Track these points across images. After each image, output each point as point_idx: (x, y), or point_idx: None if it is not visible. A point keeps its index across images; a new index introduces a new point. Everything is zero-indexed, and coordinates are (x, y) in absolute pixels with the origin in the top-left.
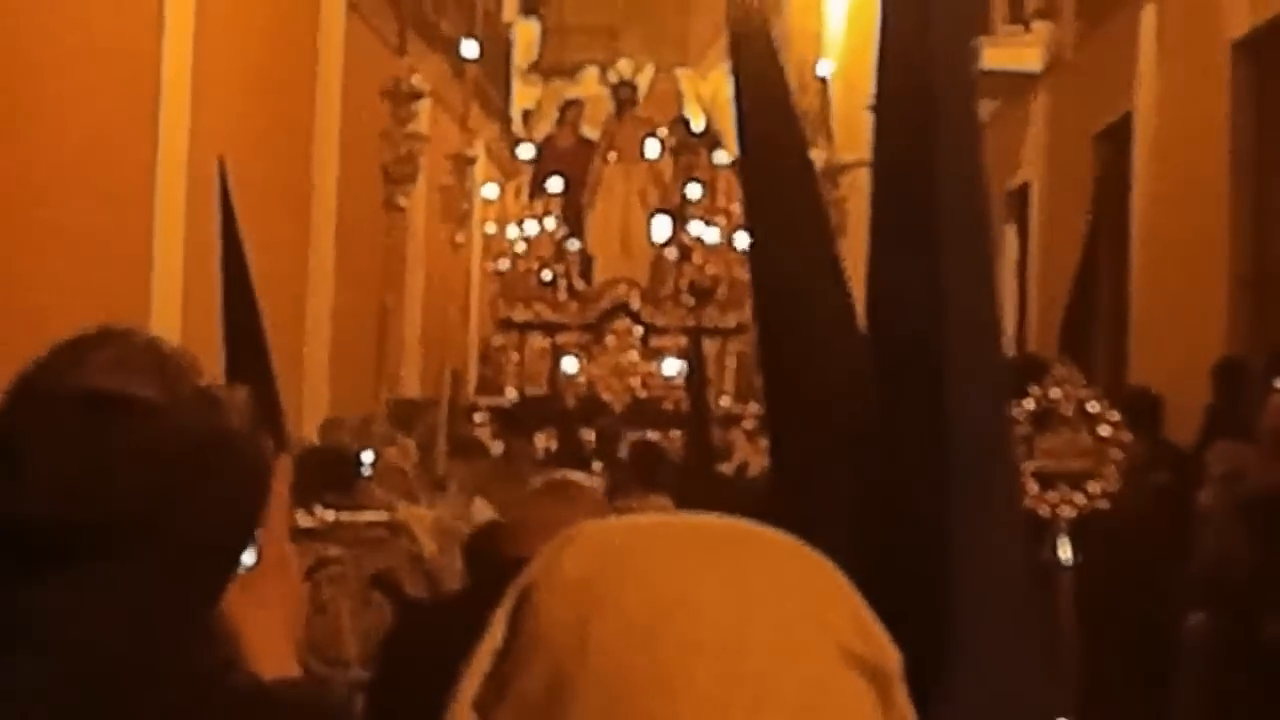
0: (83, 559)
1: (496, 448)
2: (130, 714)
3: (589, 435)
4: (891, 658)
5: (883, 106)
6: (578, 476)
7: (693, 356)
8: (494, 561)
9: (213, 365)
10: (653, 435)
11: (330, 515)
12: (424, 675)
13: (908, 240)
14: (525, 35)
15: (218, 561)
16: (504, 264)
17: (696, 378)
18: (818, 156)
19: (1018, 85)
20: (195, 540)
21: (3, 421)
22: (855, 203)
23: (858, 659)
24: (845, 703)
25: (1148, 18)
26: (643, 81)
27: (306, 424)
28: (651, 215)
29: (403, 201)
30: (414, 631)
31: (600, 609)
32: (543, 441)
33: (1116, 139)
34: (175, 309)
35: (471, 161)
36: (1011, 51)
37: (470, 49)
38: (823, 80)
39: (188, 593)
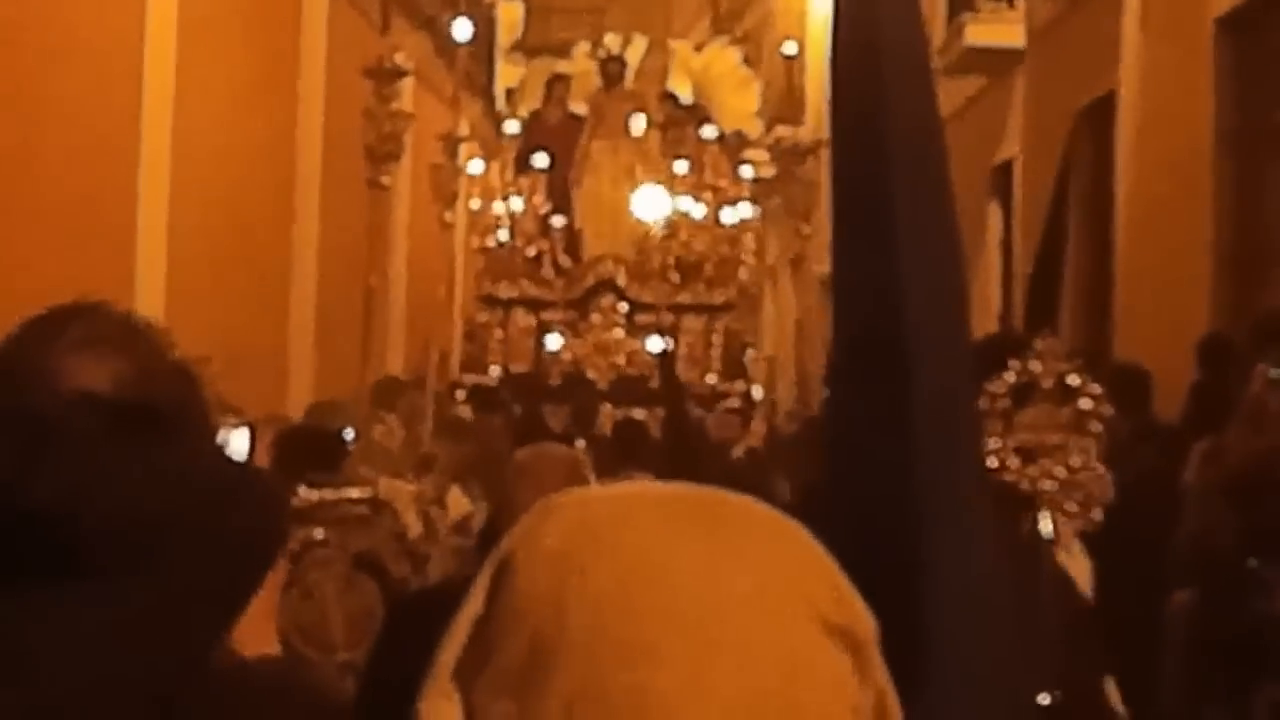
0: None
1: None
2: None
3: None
4: (867, 625)
5: (838, 84)
6: (554, 448)
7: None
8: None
9: (192, 347)
10: (638, 413)
11: (314, 495)
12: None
13: (867, 223)
14: (509, 14)
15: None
16: (489, 240)
17: (668, 357)
18: (788, 135)
19: (1001, 61)
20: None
21: None
22: (827, 182)
23: (835, 627)
24: (823, 669)
25: None
26: (632, 56)
27: (291, 403)
28: (633, 190)
29: (386, 180)
30: (410, 617)
31: (579, 578)
32: (556, 416)
33: (1100, 115)
34: (159, 292)
35: (461, 141)
36: (995, 28)
37: (462, 29)
38: (789, 59)
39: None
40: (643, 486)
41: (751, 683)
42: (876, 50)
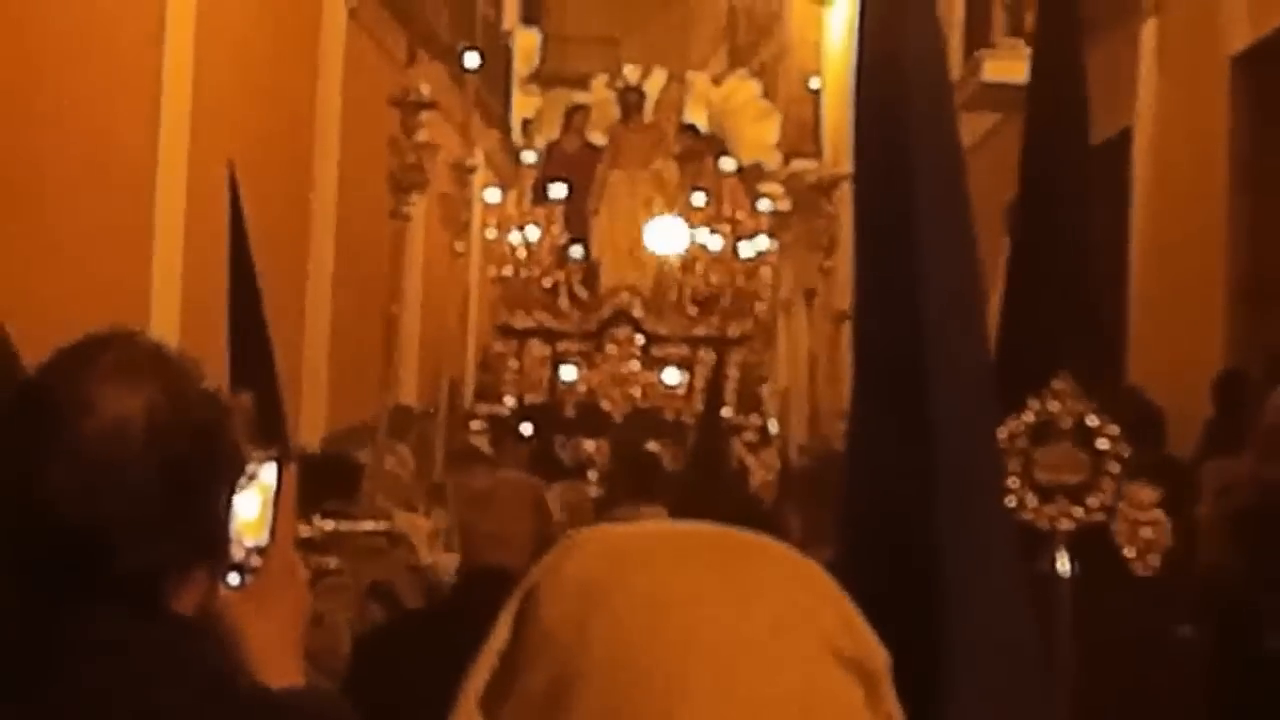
0: (94, 566)
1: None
2: (140, 718)
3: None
4: (880, 657)
5: (862, 116)
6: (514, 476)
7: (714, 371)
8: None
9: (212, 370)
10: (653, 446)
11: (329, 525)
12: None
13: (891, 255)
14: (525, 44)
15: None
16: (505, 270)
17: (714, 391)
18: (809, 170)
19: (1017, 98)
20: (196, 545)
21: (15, 428)
22: (847, 217)
23: (848, 659)
24: (837, 701)
25: (1147, 32)
26: (651, 88)
27: (305, 431)
28: (648, 221)
29: (409, 210)
30: (375, 653)
31: (600, 611)
32: (569, 449)
33: (1116, 153)
34: (174, 314)
35: (472, 170)
36: (1011, 64)
37: (472, 60)
38: (814, 93)
39: (189, 599)
40: (663, 524)
41: (767, 714)
42: (901, 86)
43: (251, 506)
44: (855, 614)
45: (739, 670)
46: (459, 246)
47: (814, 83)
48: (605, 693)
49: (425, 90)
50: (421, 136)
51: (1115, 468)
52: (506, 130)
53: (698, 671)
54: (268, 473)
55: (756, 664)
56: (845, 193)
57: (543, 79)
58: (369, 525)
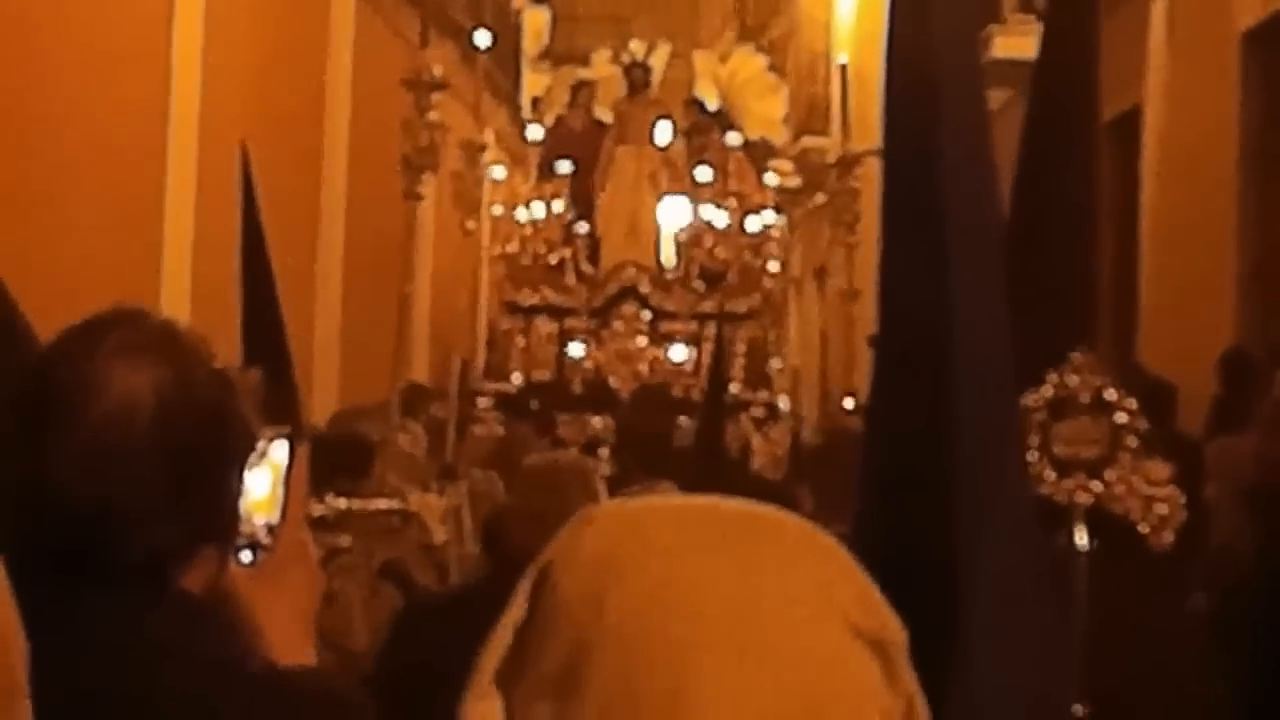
0: (102, 548)
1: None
2: (150, 699)
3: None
4: (896, 631)
5: (891, 100)
6: (566, 456)
7: (716, 346)
8: (503, 552)
9: (223, 349)
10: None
11: (342, 503)
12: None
13: (917, 236)
14: (535, 23)
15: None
16: (511, 247)
17: (718, 367)
18: (833, 148)
19: (1027, 74)
20: (205, 525)
21: (23, 411)
22: (868, 193)
23: (864, 632)
24: (852, 674)
25: (1157, 8)
26: (656, 63)
27: (316, 411)
28: (660, 198)
29: (423, 191)
30: (418, 622)
31: (616, 585)
32: (574, 426)
33: (1126, 130)
34: (184, 297)
35: (483, 149)
36: (1022, 40)
37: (483, 38)
38: (841, 69)
39: (196, 579)
40: (678, 498)
41: (783, 688)
42: (931, 67)
43: (263, 484)
44: (871, 588)
45: (754, 647)
46: (470, 225)
47: (841, 57)
48: (620, 668)
49: (438, 71)
50: (433, 117)
51: (1133, 442)
52: (517, 109)
53: (712, 648)
54: (279, 451)
55: (772, 641)
56: (868, 169)
57: (553, 57)
58: (381, 504)
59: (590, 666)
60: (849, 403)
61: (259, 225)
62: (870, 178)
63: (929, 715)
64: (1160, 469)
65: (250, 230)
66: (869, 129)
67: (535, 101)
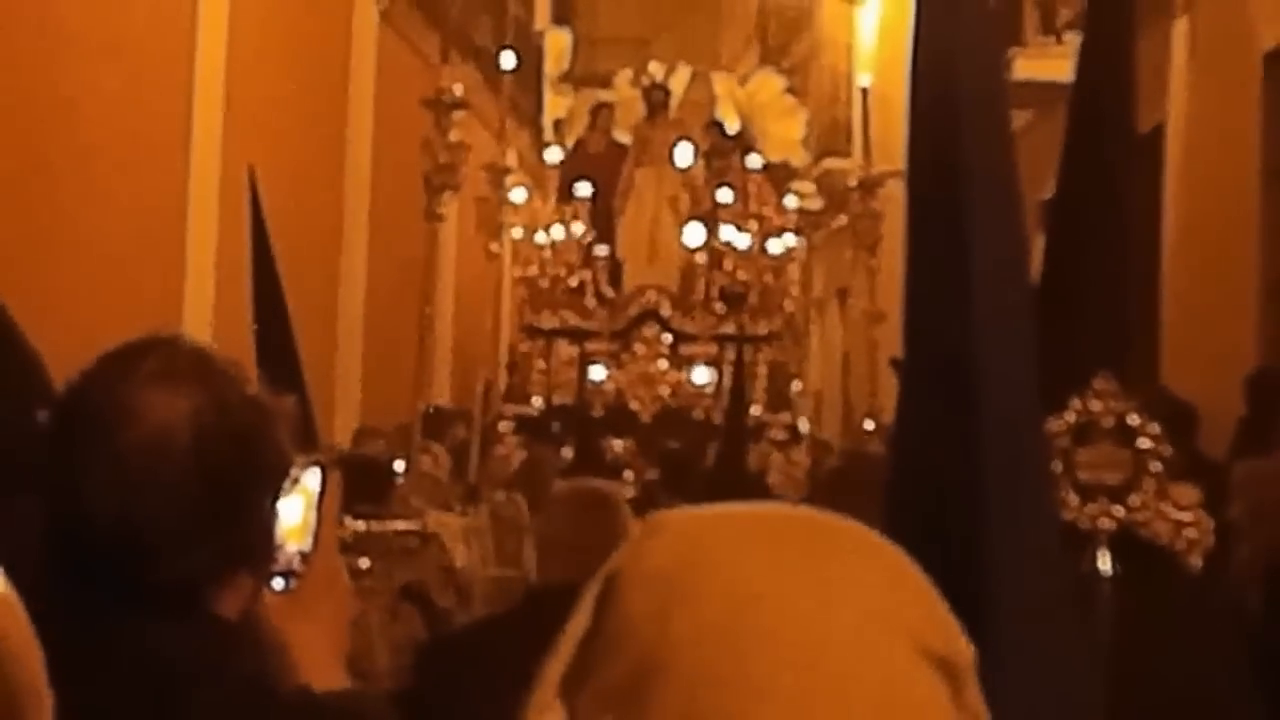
0: (136, 573)
1: (521, 457)
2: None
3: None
4: (965, 653)
5: (916, 122)
6: (600, 484)
7: (736, 368)
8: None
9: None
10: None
11: (360, 525)
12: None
13: (942, 259)
14: (556, 44)
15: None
16: (531, 270)
17: (737, 389)
18: (855, 169)
19: (1050, 96)
20: (239, 551)
21: (59, 436)
22: (890, 215)
23: (933, 654)
24: (922, 699)
25: (1179, 29)
26: (676, 85)
27: (338, 433)
28: (684, 223)
29: (444, 211)
30: (452, 651)
31: (682, 602)
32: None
33: (1148, 149)
34: (207, 320)
35: (507, 171)
36: (1044, 63)
37: (508, 60)
38: (863, 92)
39: (232, 601)
40: (745, 507)
41: (856, 715)
42: (954, 84)
43: (295, 511)
44: (941, 605)
45: (823, 667)
46: (494, 248)
47: (863, 80)
48: (686, 688)
49: (458, 90)
50: (454, 136)
51: (1157, 466)
52: (539, 131)
53: (781, 668)
54: (311, 478)
55: (841, 660)
56: (890, 191)
57: (574, 79)
58: (400, 525)
59: (655, 687)
60: (869, 424)
61: (269, 247)
62: (892, 199)
63: None
64: (1188, 493)
65: (260, 252)
66: (891, 151)
67: (557, 124)
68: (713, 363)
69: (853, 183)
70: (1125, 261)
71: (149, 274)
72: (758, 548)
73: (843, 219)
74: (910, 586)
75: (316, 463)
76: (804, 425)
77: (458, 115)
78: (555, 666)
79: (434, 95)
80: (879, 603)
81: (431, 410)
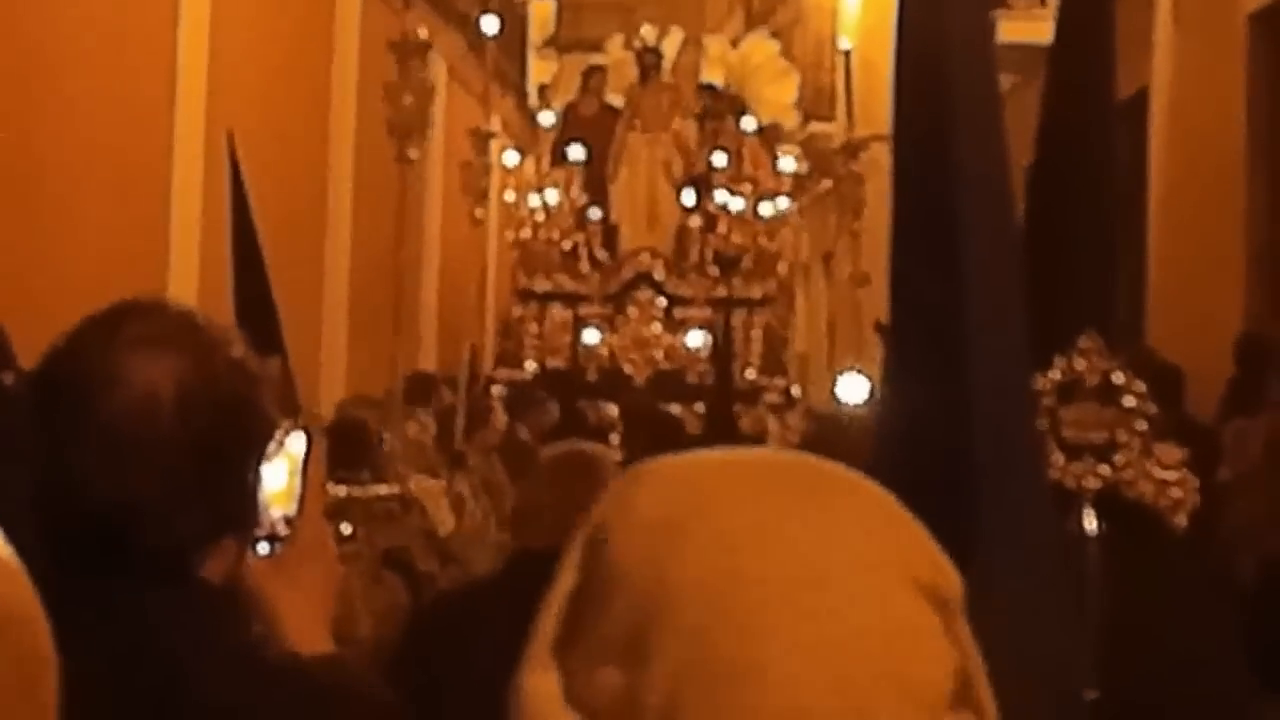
0: (122, 539)
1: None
2: (174, 688)
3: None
4: (955, 585)
5: (902, 85)
6: (588, 447)
7: (720, 330)
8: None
9: None
10: (674, 408)
11: (342, 491)
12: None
13: (929, 221)
14: (541, 10)
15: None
16: (524, 233)
17: (723, 351)
18: (837, 132)
19: (1034, 59)
20: (225, 516)
21: (43, 402)
22: (874, 179)
23: (925, 586)
24: (918, 632)
25: None
26: (668, 49)
27: (324, 399)
28: (678, 186)
29: (414, 154)
30: (439, 616)
31: (678, 549)
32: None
33: (1133, 113)
34: (192, 284)
35: (490, 136)
36: (1027, 25)
37: (490, 25)
38: (845, 54)
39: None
40: (732, 452)
41: (857, 651)
42: (943, 52)
43: (280, 476)
44: (929, 538)
45: (821, 606)
46: (478, 213)
47: (845, 43)
48: (688, 632)
49: (423, 33)
50: (419, 78)
51: (1142, 425)
52: (523, 96)
53: (779, 610)
54: (296, 442)
55: (843, 600)
56: (874, 154)
57: (559, 44)
58: (381, 489)
59: (656, 634)
60: None
61: (248, 213)
62: (876, 163)
63: (984, 670)
64: (1172, 452)
65: (239, 217)
66: (874, 115)
67: (542, 89)
68: (707, 326)
69: (836, 146)
70: (1107, 221)
71: (133, 250)
72: (749, 489)
73: (827, 183)
74: (903, 522)
75: (301, 427)
76: (797, 390)
77: (428, 62)
78: (547, 624)
79: (398, 39)
80: (874, 536)
81: (414, 375)
